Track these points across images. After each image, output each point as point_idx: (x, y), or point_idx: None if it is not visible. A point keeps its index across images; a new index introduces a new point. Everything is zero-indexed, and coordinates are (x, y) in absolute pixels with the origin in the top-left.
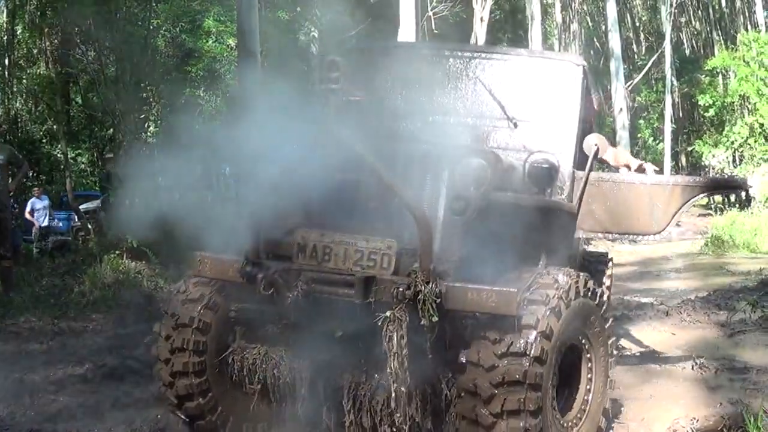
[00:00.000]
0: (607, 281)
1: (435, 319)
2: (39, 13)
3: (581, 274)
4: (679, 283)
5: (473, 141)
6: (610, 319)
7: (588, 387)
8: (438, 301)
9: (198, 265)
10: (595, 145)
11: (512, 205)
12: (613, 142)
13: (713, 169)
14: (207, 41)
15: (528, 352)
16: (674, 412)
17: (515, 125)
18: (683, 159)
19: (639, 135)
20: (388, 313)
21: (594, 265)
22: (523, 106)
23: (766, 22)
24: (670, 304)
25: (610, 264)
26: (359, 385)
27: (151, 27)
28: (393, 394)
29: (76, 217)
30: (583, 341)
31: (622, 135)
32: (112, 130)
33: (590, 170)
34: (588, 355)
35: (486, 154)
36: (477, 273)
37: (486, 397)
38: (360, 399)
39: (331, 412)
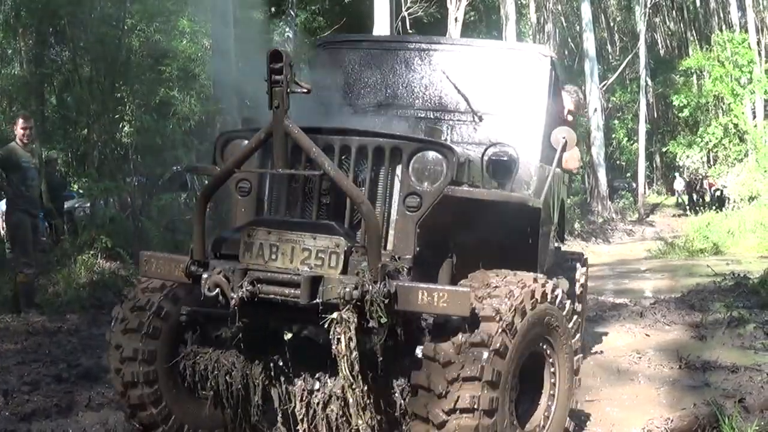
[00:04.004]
0: (581, 280)
1: (384, 320)
2: (13, 13)
3: (543, 277)
4: (653, 284)
5: (432, 134)
6: (577, 325)
7: (552, 392)
8: (386, 301)
9: (145, 266)
10: (563, 138)
11: (470, 200)
12: (588, 143)
13: (687, 169)
14: (181, 41)
15: (486, 358)
16: (649, 413)
17: (480, 118)
18: (658, 159)
19: (613, 135)
20: (335, 315)
21: (568, 265)
22: (488, 98)
23: (740, 23)
24: (644, 305)
25: (585, 264)
26: (312, 392)
27: (126, 27)
28: (343, 401)
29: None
30: (546, 348)
31: (597, 135)
32: (86, 130)
33: (558, 165)
34: (551, 364)
35: (441, 147)
36: (433, 273)
37: (439, 393)
38: (313, 407)
39: (286, 419)
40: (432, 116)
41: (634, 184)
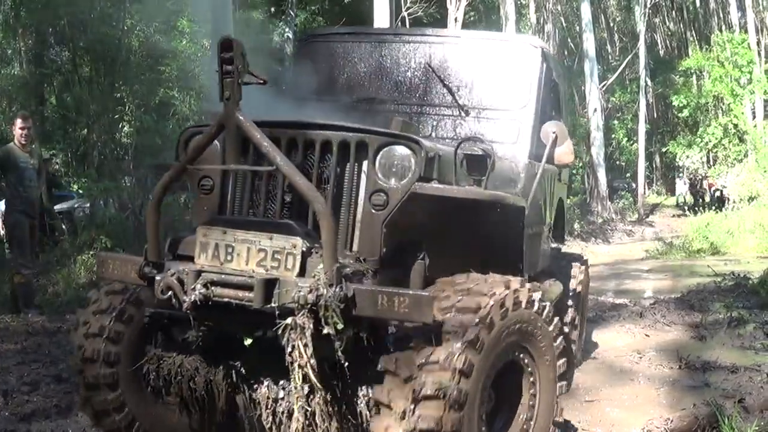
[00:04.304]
0: (581, 282)
1: (340, 326)
2: (13, 14)
3: (522, 281)
4: (653, 284)
5: (406, 128)
6: (560, 331)
7: (531, 404)
8: (343, 306)
9: (101, 267)
10: (554, 133)
11: (442, 198)
12: (588, 143)
13: (687, 169)
14: (181, 41)
15: (451, 366)
16: (649, 413)
17: (467, 112)
18: (657, 160)
19: (613, 136)
20: (288, 320)
21: (567, 266)
22: (477, 91)
23: (740, 23)
24: (644, 305)
25: (585, 265)
26: (276, 400)
27: (125, 27)
28: (296, 412)
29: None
30: (524, 357)
31: (596, 136)
32: (86, 130)
33: (547, 161)
34: (530, 376)
35: (409, 141)
36: (405, 275)
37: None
38: (279, 415)
39: (253, 427)
40: (417, 110)
41: (634, 185)
